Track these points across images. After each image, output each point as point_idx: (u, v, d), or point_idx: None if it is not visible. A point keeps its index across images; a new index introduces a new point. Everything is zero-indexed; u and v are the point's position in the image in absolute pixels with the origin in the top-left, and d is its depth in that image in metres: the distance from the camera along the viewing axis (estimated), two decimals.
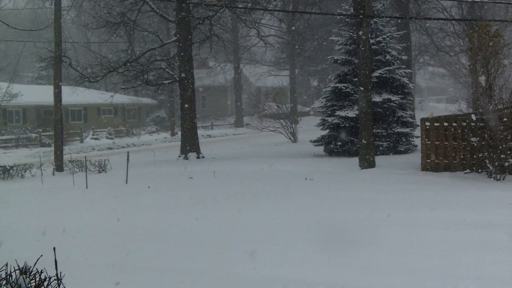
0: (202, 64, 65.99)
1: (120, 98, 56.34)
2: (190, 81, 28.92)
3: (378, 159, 22.50)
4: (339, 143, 26.38)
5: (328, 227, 12.12)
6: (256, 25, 35.76)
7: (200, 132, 38.46)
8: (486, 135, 18.89)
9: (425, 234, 11.11)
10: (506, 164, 18.74)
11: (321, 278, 8.45)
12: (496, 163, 18.72)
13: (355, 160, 22.47)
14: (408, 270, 8.74)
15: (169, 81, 30.96)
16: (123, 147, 44.58)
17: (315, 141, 27.46)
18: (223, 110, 74.92)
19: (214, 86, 72.04)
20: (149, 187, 18.70)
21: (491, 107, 19.04)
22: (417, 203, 14.66)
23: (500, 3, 30.70)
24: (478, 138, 19.15)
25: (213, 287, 8.34)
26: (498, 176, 18.70)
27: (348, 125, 26.10)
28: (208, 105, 74.24)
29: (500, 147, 18.69)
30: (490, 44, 19.51)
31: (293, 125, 38.36)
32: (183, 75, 28.79)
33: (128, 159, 21.34)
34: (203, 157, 28.74)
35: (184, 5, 28.16)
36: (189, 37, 29.18)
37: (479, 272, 8.55)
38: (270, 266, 9.14)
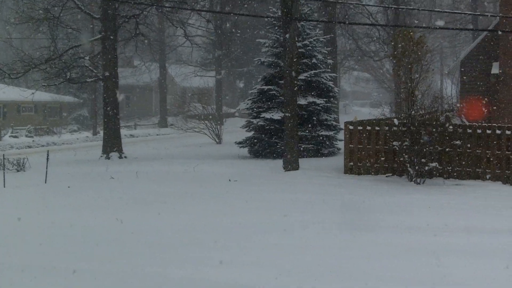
0: (127, 63, 65.07)
1: (42, 96, 54.84)
2: (114, 79, 28.37)
3: (302, 162, 22.58)
4: (264, 145, 26.36)
5: (252, 226, 12.07)
6: (183, 25, 35.36)
7: (123, 131, 37.83)
8: (407, 140, 19.19)
9: (353, 236, 11.22)
10: (426, 168, 19.09)
11: (225, 277, 8.64)
12: (417, 167, 19.05)
13: (280, 162, 22.49)
14: (340, 273, 8.79)
15: (92, 79, 30.28)
16: (43, 145, 43.38)
17: (240, 143, 27.36)
18: (147, 110, 74.10)
19: (138, 86, 71.20)
20: (69, 187, 18.21)
21: (413, 112, 19.36)
22: (340, 205, 14.79)
23: (424, 10, 31.37)
24: (400, 142, 19.44)
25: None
26: (419, 180, 19.04)
27: (273, 127, 26.09)
28: (132, 104, 73.29)
29: (421, 151, 19.03)
30: (414, 50, 19.82)
31: (218, 127, 38.17)
32: (107, 73, 28.21)
33: (48, 158, 20.73)
34: (125, 157, 28.24)
35: (109, 2, 27.61)
36: (114, 35, 28.64)
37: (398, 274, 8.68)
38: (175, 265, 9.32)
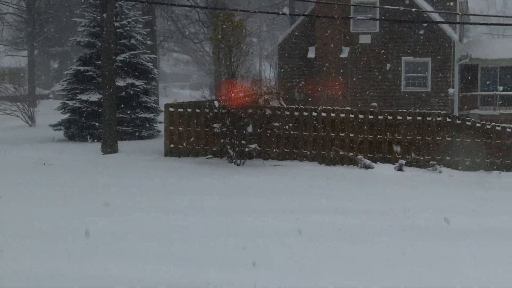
0: None
1: None
2: None
3: (122, 144, 22.05)
4: (81, 128, 25.45)
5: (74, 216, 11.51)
6: None
7: None
8: (228, 122, 19.29)
9: (166, 219, 11.02)
10: (246, 149, 19.33)
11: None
12: (237, 149, 19.23)
13: (98, 145, 21.79)
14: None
15: None
16: None
17: (55, 125, 26.21)
18: None
19: None
20: None
21: (233, 94, 19.47)
22: (158, 188, 14.57)
23: None
24: (220, 125, 19.50)
25: None
26: (239, 161, 19.24)
27: (90, 109, 25.25)
28: None
29: (241, 133, 19.22)
30: (234, 33, 19.93)
31: (31, 109, 36.40)
32: None
33: None
34: None
35: None
36: None
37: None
38: None
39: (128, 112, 25.80)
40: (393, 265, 8.55)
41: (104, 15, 21.29)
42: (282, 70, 30.42)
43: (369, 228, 10.86)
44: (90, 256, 8.69)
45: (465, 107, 33.06)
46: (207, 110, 20.34)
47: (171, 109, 20.79)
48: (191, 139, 20.58)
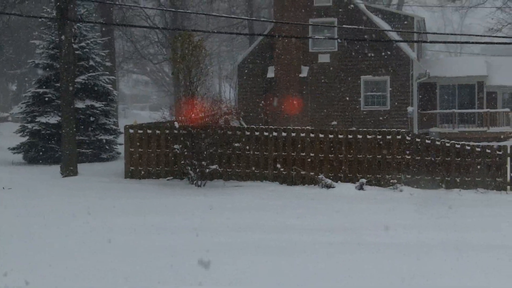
0: None
1: None
2: None
3: (81, 167, 21.80)
4: (40, 151, 25.11)
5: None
6: None
7: None
8: (188, 143, 19.22)
9: (125, 239, 10.88)
10: (207, 170, 19.25)
11: None
12: (198, 170, 19.14)
13: (58, 168, 21.52)
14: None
15: None
16: None
17: (13, 148, 25.83)
18: None
19: None
20: None
21: (193, 115, 19.40)
22: (123, 210, 14.41)
23: (202, 14, 31.75)
24: (181, 146, 19.42)
25: None
26: (199, 182, 19.15)
27: (50, 132, 24.96)
28: None
29: (202, 154, 19.15)
30: (193, 53, 19.90)
31: None
32: None
33: None
34: None
35: None
36: None
37: None
38: None
39: (88, 134, 25.56)
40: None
41: (63, 37, 21.13)
42: (242, 90, 30.48)
43: (320, 244, 10.86)
44: None
45: (425, 125, 33.50)
46: (167, 131, 20.24)
47: (131, 131, 20.64)
48: (152, 161, 20.43)
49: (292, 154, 19.85)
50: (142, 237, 11.36)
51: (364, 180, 19.04)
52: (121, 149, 24.45)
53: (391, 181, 19.27)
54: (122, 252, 10.16)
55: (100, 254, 10.00)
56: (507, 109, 33.93)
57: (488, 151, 19.33)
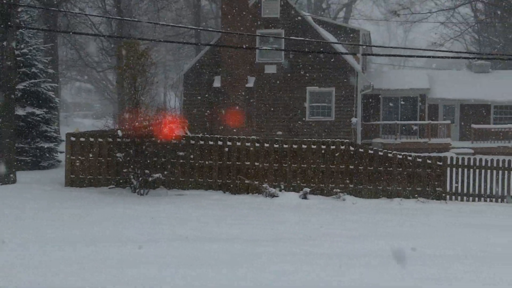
0: None
1: None
2: None
3: (20, 175, 21.32)
4: None
5: None
6: None
7: None
8: (131, 151, 18.98)
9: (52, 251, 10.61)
10: (150, 179, 19.03)
11: None
12: (141, 178, 18.91)
13: None
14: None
15: None
16: None
17: None
18: None
19: None
20: None
21: (137, 123, 19.17)
22: (61, 219, 14.07)
23: (149, 22, 31.48)
24: (123, 154, 19.17)
25: None
26: (142, 191, 18.91)
27: None
28: None
29: (145, 162, 18.93)
30: (139, 62, 19.71)
31: None
32: None
33: None
34: None
35: None
36: None
37: None
38: None
39: (28, 141, 25.06)
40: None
41: (5, 42, 20.65)
42: (187, 99, 30.33)
43: (255, 254, 10.73)
44: None
45: (368, 136, 33.86)
46: (111, 139, 19.95)
47: (72, 138, 20.28)
48: (94, 169, 20.10)
49: (237, 163, 19.77)
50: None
51: (307, 189, 19.09)
52: (62, 157, 24.04)
53: (334, 190, 19.37)
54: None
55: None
56: (448, 121, 34.56)
57: (429, 161, 19.62)
